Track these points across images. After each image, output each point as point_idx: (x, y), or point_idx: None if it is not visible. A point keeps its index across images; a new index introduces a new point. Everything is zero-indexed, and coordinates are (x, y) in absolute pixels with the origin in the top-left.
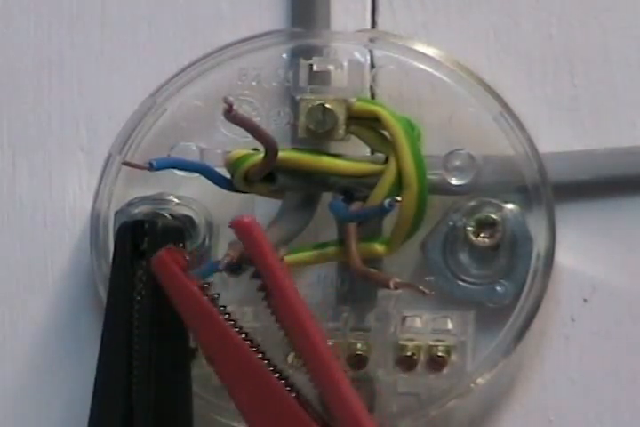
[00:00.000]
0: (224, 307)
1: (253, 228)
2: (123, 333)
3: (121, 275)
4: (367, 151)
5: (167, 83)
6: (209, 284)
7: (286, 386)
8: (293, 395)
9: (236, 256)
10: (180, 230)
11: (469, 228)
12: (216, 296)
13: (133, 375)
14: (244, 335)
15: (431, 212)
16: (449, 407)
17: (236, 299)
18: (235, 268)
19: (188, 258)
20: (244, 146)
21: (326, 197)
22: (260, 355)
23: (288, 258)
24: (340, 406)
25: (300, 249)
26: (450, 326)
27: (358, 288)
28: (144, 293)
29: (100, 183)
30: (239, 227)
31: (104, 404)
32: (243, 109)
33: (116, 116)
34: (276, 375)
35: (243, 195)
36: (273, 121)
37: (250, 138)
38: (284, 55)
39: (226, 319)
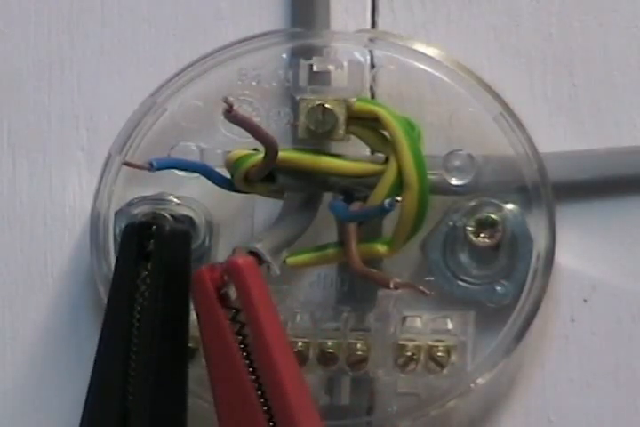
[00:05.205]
0: (244, 337)
1: (246, 271)
2: (122, 333)
3: (124, 276)
4: (367, 151)
5: (167, 83)
6: (238, 310)
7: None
8: None
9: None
10: (186, 233)
11: (469, 228)
12: (240, 325)
13: (130, 376)
14: (251, 369)
15: (431, 212)
16: (449, 407)
17: None
18: None
19: (226, 278)
20: (244, 146)
21: (327, 198)
22: (260, 393)
23: (289, 260)
24: None
25: (300, 251)
26: (450, 326)
27: (358, 288)
28: (147, 295)
29: (99, 183)
30: (233, 268)
31: (99, 404)
32: (243, 109)
33: (116, 116)
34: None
35: (243, 195)
36: (273, 121)
37: (250, 138)
38: (284, 55)
39: (241, 349)
